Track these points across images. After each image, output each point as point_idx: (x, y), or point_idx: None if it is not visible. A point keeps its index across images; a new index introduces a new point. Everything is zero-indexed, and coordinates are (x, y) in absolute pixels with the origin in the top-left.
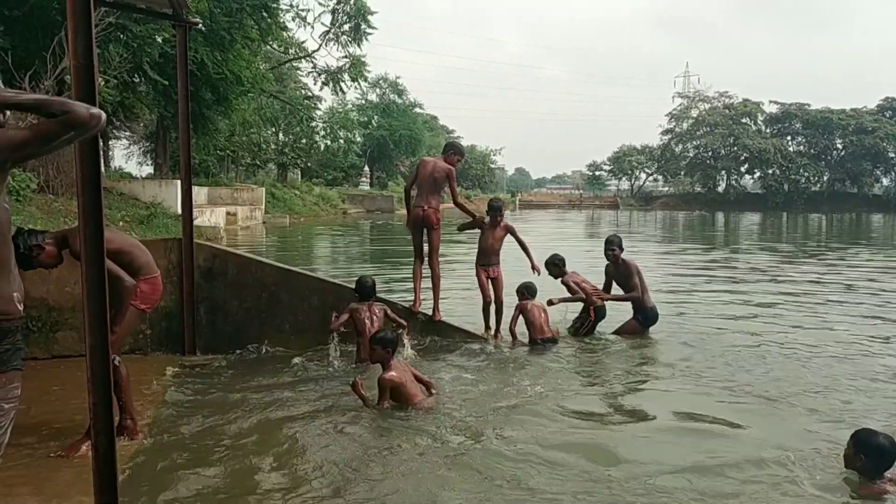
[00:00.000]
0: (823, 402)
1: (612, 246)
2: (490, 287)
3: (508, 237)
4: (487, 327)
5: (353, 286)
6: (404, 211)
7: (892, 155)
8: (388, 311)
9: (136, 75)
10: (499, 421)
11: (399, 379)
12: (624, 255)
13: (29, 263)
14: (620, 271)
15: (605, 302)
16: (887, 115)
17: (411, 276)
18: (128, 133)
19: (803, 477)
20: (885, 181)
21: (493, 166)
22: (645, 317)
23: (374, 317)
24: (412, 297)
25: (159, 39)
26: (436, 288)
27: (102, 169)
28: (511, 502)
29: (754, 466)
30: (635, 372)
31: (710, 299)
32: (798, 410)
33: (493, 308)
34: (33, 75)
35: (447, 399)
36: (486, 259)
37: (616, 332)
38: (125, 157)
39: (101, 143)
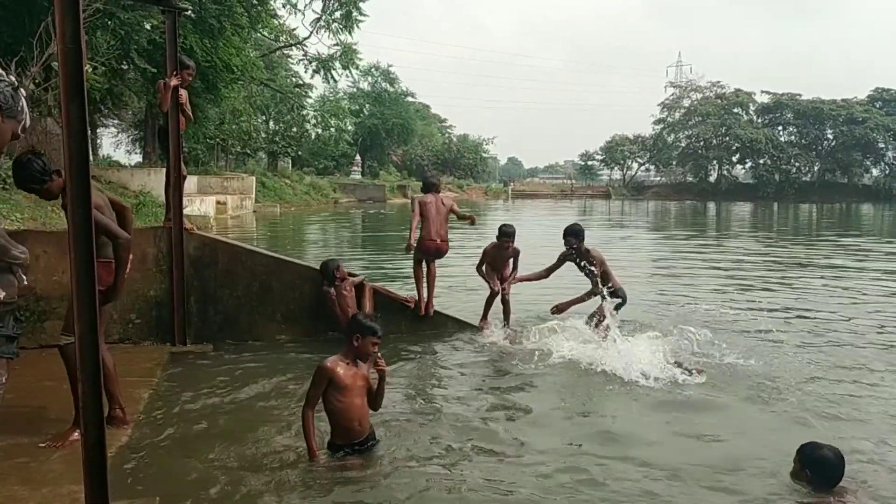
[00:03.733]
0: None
1: (569, 236)
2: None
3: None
4: (484, 318)
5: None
6: (396, 200)
7: (881, 145)
8: (376, 290)
9: (124, 62)
10: (494, 416)
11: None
12: (587, 245)
13: (38, 188)
14: (589, 261)
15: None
16: (877, 106)
17: (411, 272)
18: (116, 121)
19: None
20: (875, 171)
21: (485, 155)
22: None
23: (341, 301)
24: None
25: (148, 26)
26: (431, 283)
27: (91, 157)
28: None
29: (712, 472)
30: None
31: (704, 285)
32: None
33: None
34: (20, 61)
35: (445, 394)
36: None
37: (591, 318)
38: (113, 145)
39: (89, 131)
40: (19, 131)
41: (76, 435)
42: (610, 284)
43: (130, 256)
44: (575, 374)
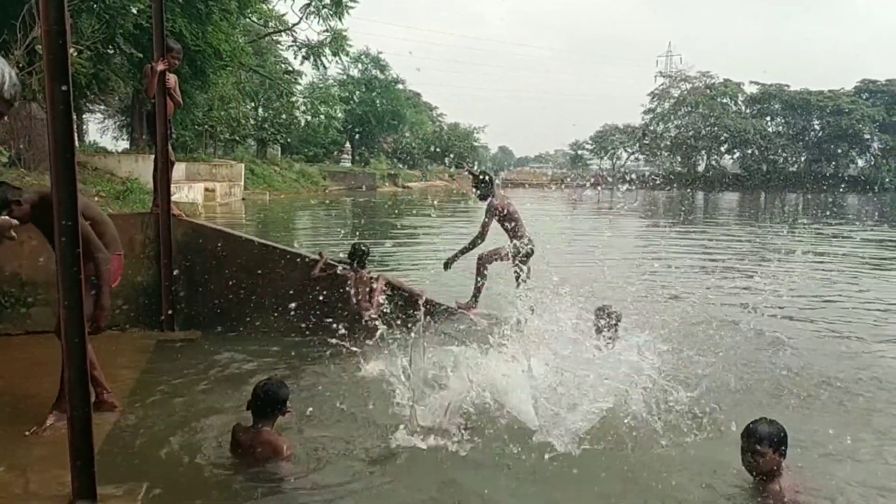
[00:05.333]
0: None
1: (476, 186)
2: None
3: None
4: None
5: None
6: (386, 189)
7: (867, 136)
8: (390, 282)
9: (110, 47)
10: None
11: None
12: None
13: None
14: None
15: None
16: (864, 97)
17: (400, 259)
18: (102, 107)
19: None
20: (861, 162)
21: (476, 144)
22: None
23: (359, 287)
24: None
25: (134, 10)
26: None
27: (76, 143)
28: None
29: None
30: None
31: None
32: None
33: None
34: (2, 45)
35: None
36: None
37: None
38: (100, 131)
39: (75, 117)
40: None
41: (52, 419)
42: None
43: (110, 273)
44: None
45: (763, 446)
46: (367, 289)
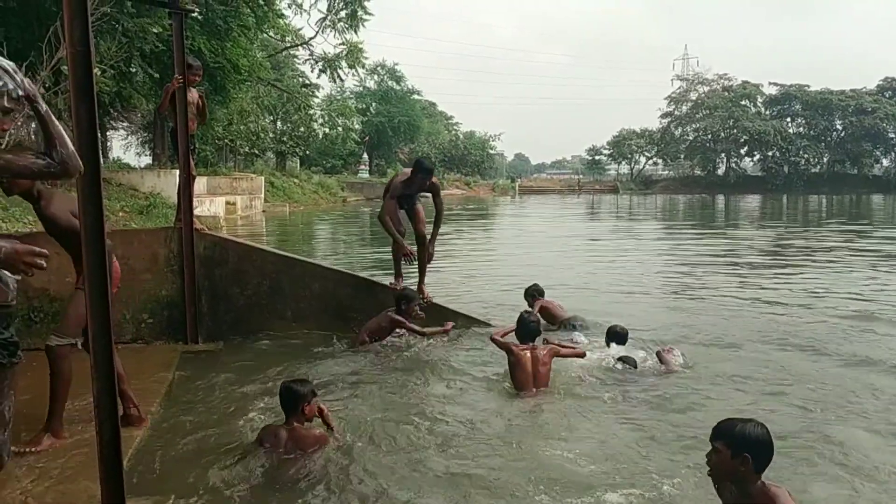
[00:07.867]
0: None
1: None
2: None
3: None
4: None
5: (353, 273)
6: None
7: (891, 135)
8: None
9: (132, 65)
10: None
11: None
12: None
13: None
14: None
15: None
16: (887, 96)
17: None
18: (125, 123)
19: None
20: (885, 162)
21: (492, 152)
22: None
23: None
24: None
25: (155, 31)
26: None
27: (101, 159)
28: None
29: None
30: None
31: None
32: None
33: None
34: (29, 66)
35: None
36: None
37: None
38: (123, 147)
39: (99, 133)
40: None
41: (47, 441)
42: None
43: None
44: None
45: (719, 443)
46: (386, 326)
